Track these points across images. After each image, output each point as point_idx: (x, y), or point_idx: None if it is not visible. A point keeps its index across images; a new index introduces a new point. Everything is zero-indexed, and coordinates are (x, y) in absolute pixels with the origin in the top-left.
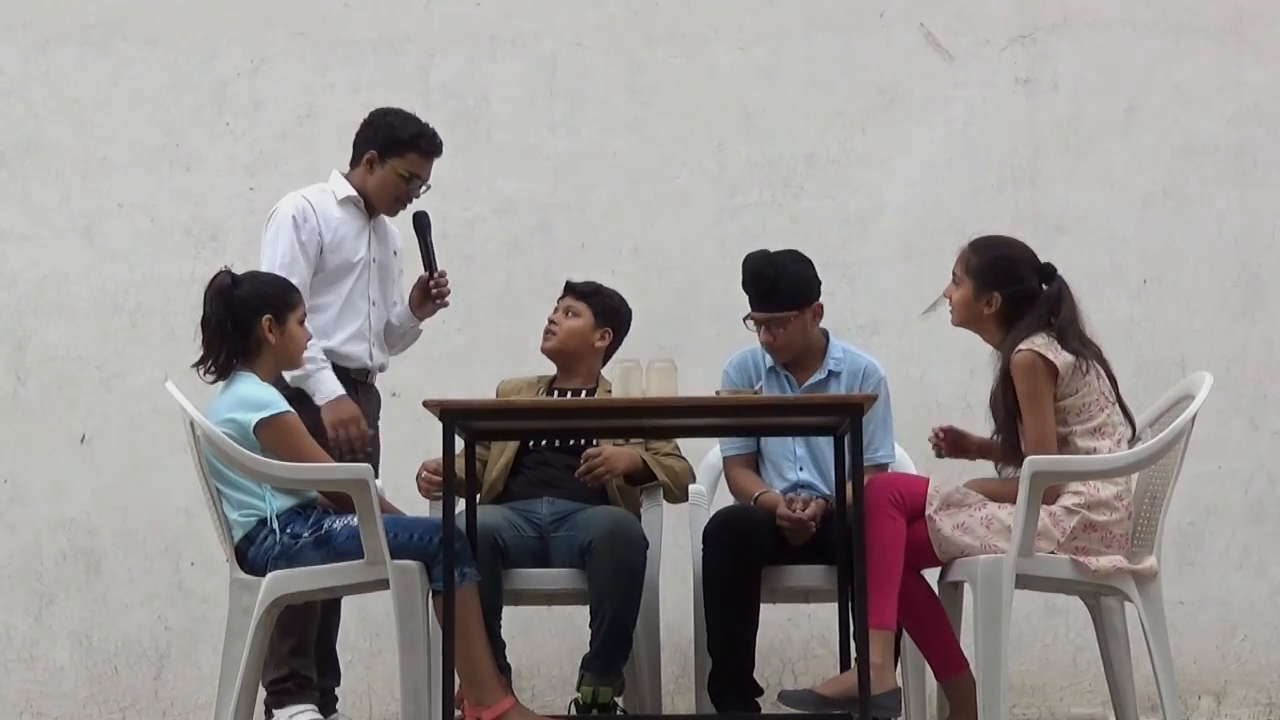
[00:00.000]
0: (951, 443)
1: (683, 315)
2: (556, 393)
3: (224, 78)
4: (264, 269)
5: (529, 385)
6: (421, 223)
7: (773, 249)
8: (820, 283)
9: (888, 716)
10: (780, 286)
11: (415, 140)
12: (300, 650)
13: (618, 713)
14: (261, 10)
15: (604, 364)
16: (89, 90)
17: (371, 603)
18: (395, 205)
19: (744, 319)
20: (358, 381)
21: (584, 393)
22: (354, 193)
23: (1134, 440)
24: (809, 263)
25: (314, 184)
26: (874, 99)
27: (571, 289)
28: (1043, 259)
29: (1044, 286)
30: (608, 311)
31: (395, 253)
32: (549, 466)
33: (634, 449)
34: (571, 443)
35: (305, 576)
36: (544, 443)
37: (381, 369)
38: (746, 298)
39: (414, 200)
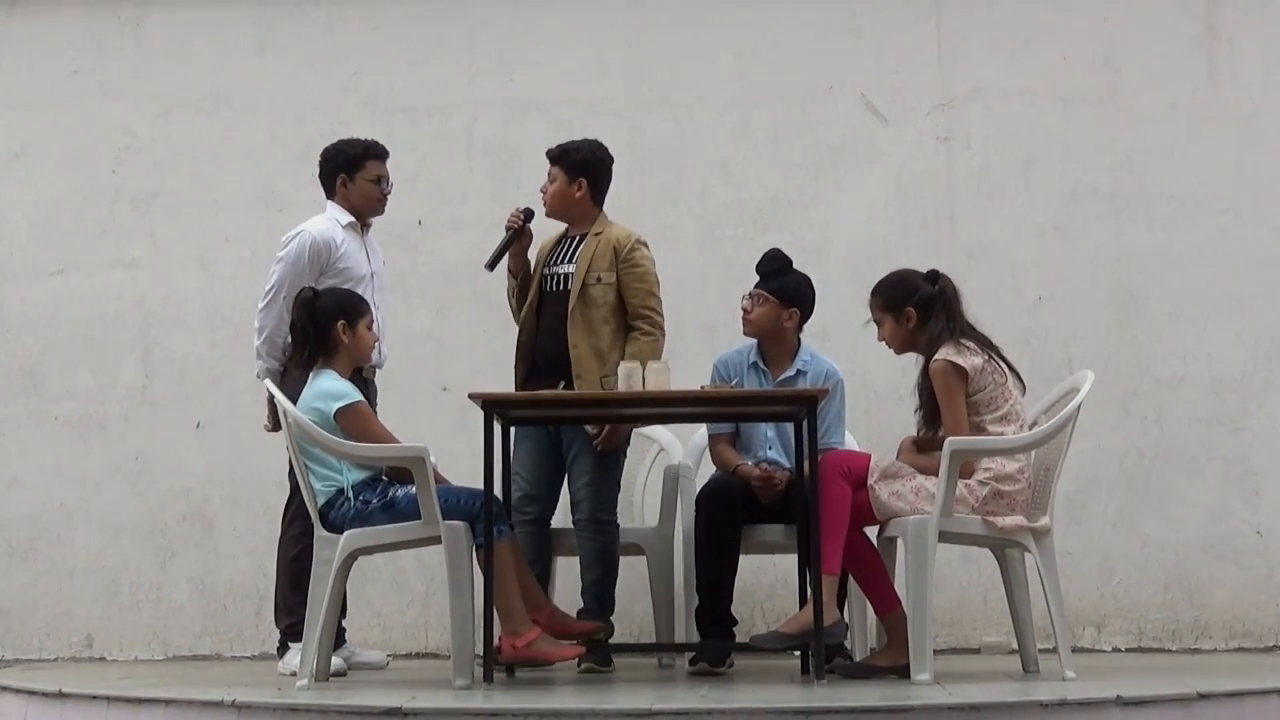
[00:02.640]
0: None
1: (674, 325)
2: (570, 239)
3: (309, 138)
4: (278, 272)
5: (553, 240)
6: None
7: (746, 276)
8: (811, 301)
9: (835, 642)
10: (777, 276)
11: (367, 152)
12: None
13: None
14: (339, 85)
15: (596, 205)
16: (202, 148)
17: (427, 555)
18: (378, 205)
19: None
20: (367, 380)
21: (582, 236)
22: (352, 219)
23: (1026, 403)
24: (810, 286)
25: (320, 213)
26: (824, 154)
27: (547, 156)
28: (958, 282)
29: (935, 286)
30: (576, 166)
31: (384, 262)
32: (556, 305)
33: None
34: (563, 287)
35: (374, 534)
36: (554, 287)
37: (378, 364)
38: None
39: (388, 195)
